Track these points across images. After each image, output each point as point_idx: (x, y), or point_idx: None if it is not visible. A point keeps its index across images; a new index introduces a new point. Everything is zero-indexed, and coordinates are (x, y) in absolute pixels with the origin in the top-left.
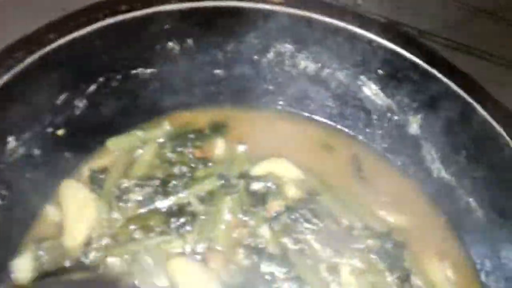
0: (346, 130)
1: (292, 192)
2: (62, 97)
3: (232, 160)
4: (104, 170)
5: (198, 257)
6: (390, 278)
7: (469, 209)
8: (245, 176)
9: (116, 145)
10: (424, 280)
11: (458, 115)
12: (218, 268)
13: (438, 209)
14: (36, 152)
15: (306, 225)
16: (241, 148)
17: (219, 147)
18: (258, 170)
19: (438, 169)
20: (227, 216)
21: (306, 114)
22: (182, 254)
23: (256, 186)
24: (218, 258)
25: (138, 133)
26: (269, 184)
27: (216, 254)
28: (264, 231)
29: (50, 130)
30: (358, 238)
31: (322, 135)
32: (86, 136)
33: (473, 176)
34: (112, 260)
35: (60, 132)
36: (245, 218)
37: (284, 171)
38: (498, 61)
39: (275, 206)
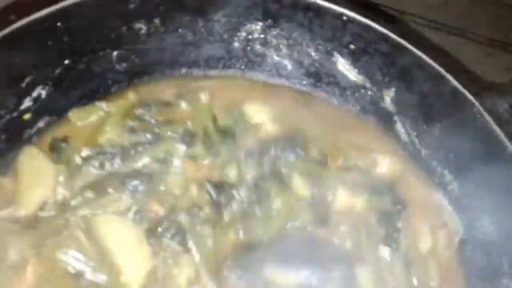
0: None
1: (266, 128)
2: (27, 80)
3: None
4: (66, 139)
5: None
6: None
7: (444, 181)
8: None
9: (79, 117)
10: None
11: (430, 87)
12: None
13: None
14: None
15: (284, 159)
16: (204, 98)
17: (182, 106)
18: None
19: (413, 142)
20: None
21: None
22: (118, 214)
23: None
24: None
25: (101, 104)
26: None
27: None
28: (233, 169)
29: (15, 115)
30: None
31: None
32: (51, 112)
33: (447, 147)
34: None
35: (27, 116)
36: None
37: (256, 113)
38: (477, 39)
39: (246, 142)
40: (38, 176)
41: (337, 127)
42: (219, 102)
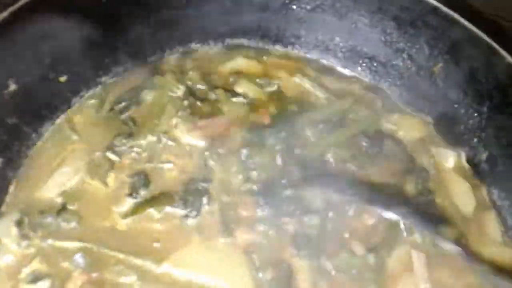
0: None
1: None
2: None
3: None
4: None
5: None
6: None
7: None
8: None
9: None
10: None
11: (481, 62)
12: None
13: None
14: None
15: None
16: None
17: None
18: None
19: (458, 117)
20: None
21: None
22: None
23: None
24: None
25: None
26: None
27: None
28: None
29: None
30: None
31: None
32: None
33: (496, 126)
34: None
35: (63, 78)
36: None
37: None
38: None
39: None
40: None
41: None
42: None
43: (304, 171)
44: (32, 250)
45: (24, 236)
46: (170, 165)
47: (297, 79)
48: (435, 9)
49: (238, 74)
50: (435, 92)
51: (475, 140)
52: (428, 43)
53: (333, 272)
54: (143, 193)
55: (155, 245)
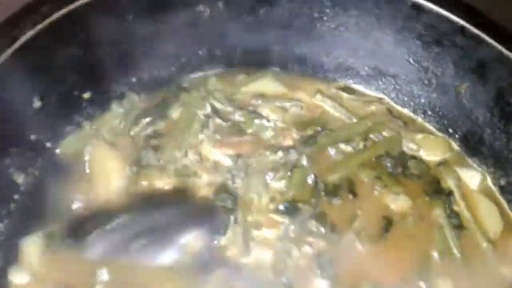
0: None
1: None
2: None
3: None
4: None
5: None
6: None
7: None
8: None
9: None
10: None
11: (508, 82)
12: None
13: None
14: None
15: None
16: None
17: None
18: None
19: (484, 138)
20: None
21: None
22: None
23: None
24: None
25: None
26: None
27: None
28: None
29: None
30: None
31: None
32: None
33: None
34: None
35: (86, 95)
36: None
37: None
38: None
39: None
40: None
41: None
42: None
43: (329, 191)
44: (56, 264)
45: (48, 251)
46: (195, 180)
47: (318, 99)
48: (461, 28)
49: (261, 95)
50: (460, 112)
51: (501, 161)
52: (454, 62)
53: None
54: None
55: None
